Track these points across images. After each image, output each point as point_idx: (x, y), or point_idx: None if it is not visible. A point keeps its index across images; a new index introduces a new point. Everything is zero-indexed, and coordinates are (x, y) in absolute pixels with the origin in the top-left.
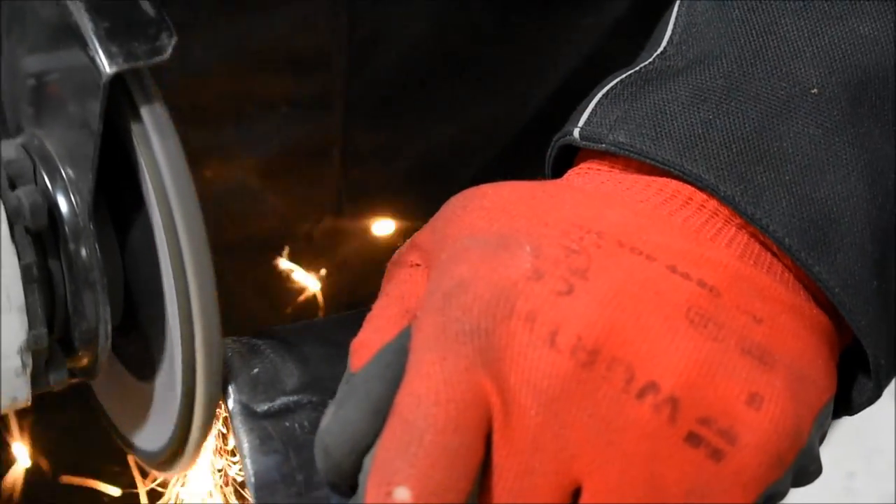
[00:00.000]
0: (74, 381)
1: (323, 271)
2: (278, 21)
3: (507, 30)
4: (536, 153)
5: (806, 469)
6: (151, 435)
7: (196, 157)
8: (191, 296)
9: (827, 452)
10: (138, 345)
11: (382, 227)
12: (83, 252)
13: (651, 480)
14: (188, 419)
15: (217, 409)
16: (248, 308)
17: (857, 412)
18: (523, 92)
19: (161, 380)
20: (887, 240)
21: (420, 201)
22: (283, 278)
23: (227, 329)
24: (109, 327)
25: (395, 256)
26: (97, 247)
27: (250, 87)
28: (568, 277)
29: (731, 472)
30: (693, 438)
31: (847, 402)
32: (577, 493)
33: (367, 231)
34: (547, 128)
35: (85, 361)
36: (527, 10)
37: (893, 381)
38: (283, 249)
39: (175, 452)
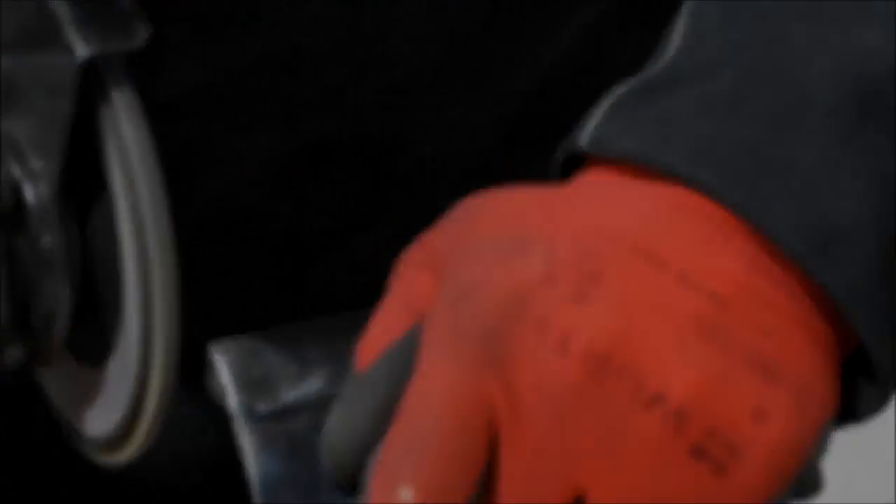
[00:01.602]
0: (29, 362)
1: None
2: (285, 17)
3: (510, 25)
4: (539, 148)
5: (807, 484)
6: (99, 419)
7: (204, 154)
8: (149, 281)
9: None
10: (91, 330)
11: (391, 224)
12: (44, 237)
13: (653, 491)
14: (140, 403)
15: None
16: (259, 306)
17: (861, 422)
18: (526, 87)
19: (114, 364)
20: (894, 250)
21: (430, 198)
22: (294, 276)
23: (237, 327)
24: (68, 310)
25: (402, 256)
26: (59, 232)
27: (258, 85)
28: (581, 283)
29: (734, 487)
30: (698, 452)
31: (851, 412)
32: (580, 500)
33: (376, 228)
34: (551, 123)
35: (40, 344)
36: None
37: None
38: (293, 247)
39: (124, 437)
